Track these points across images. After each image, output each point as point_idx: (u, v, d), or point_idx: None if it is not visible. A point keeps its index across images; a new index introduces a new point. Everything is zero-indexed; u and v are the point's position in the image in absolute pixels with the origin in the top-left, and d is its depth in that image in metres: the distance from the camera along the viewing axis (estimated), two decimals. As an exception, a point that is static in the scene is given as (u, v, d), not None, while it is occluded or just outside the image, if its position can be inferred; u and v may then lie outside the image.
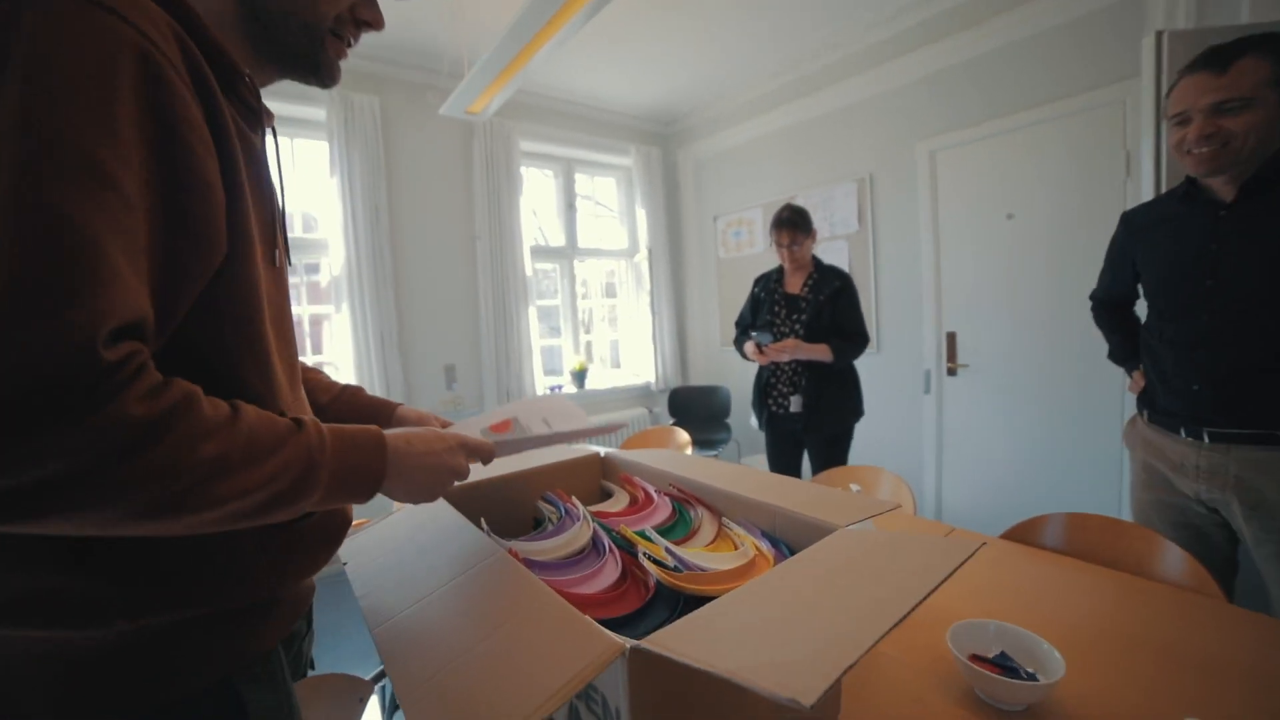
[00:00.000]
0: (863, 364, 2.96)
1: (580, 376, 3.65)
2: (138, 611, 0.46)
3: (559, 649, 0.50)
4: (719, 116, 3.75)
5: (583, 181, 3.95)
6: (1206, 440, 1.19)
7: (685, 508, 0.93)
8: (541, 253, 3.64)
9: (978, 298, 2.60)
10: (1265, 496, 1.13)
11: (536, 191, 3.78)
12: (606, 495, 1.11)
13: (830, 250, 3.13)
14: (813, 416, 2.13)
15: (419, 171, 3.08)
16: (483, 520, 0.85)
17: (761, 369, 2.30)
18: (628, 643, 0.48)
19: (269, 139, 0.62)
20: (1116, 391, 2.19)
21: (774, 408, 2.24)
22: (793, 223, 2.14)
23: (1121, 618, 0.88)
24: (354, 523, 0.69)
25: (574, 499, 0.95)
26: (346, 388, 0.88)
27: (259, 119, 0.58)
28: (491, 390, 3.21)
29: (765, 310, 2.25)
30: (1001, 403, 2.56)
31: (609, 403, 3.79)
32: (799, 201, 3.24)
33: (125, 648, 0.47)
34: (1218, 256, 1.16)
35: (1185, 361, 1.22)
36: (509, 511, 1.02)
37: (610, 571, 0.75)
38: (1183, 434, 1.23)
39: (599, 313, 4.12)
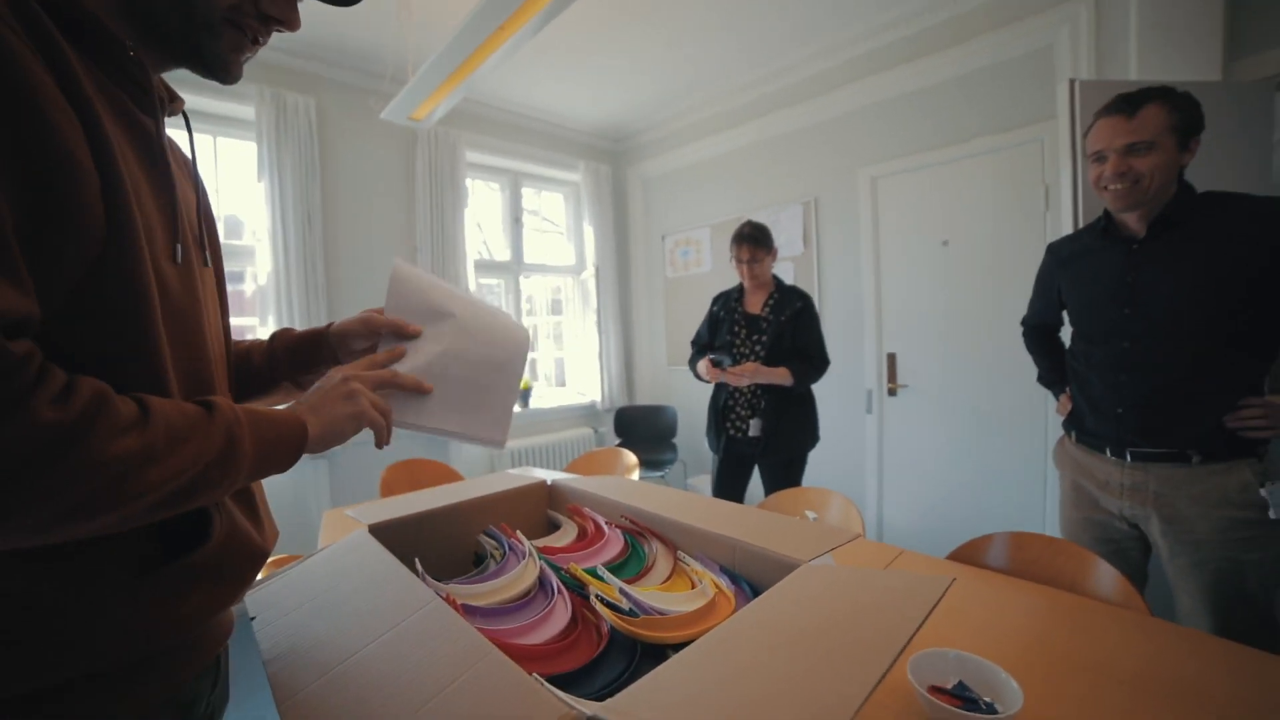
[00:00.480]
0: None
1: (525, 395, 3.54)
2: None
3: (502, 724, 0.43)
4: (669, 135, 3.78)
5: (530, 196, 3.88)
6: (1129, 459, 1.25)
7: (639, 541, 0.88)
8: (486, 267, 3.53)
9: (916, 319, 2.70)
10: (1179, 511, 1.20)
11: (482, 204, 3.68)
12: (554, 527, 1.05)
13: (777, 270, 3.18)
14: (771, 440, 2.08)
15: (356, 178, 2.93)
16: (417, 561, 0.77)
17: (718, 390, 2.25)
18: (583, 711, 0.43)
19: (180, 131, 0.56)
20: (1041, 412, 2.32)
21: (732, 431, 2.17)
22: (753, 238, 2.08)
23: (1069, 640, 0.90)
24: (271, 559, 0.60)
25: (519, 534, 0.89)
26: (275, 335, 0.79)
27: (152, 100, 0.51)
28: (430, 409, 3.05)
29: (725, 330, 2.19)
30: (938, 422, 2.65)
31: (554, 422, 3.70)
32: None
33: None
34: (1133, 287, 1.24)
35: (1109, 385, 1.28)
36: (447, 548, 0.93)
37: (559, 616, 0.69)
38: (1108, 454, 1.30)
39: (544, 330, 4.03)
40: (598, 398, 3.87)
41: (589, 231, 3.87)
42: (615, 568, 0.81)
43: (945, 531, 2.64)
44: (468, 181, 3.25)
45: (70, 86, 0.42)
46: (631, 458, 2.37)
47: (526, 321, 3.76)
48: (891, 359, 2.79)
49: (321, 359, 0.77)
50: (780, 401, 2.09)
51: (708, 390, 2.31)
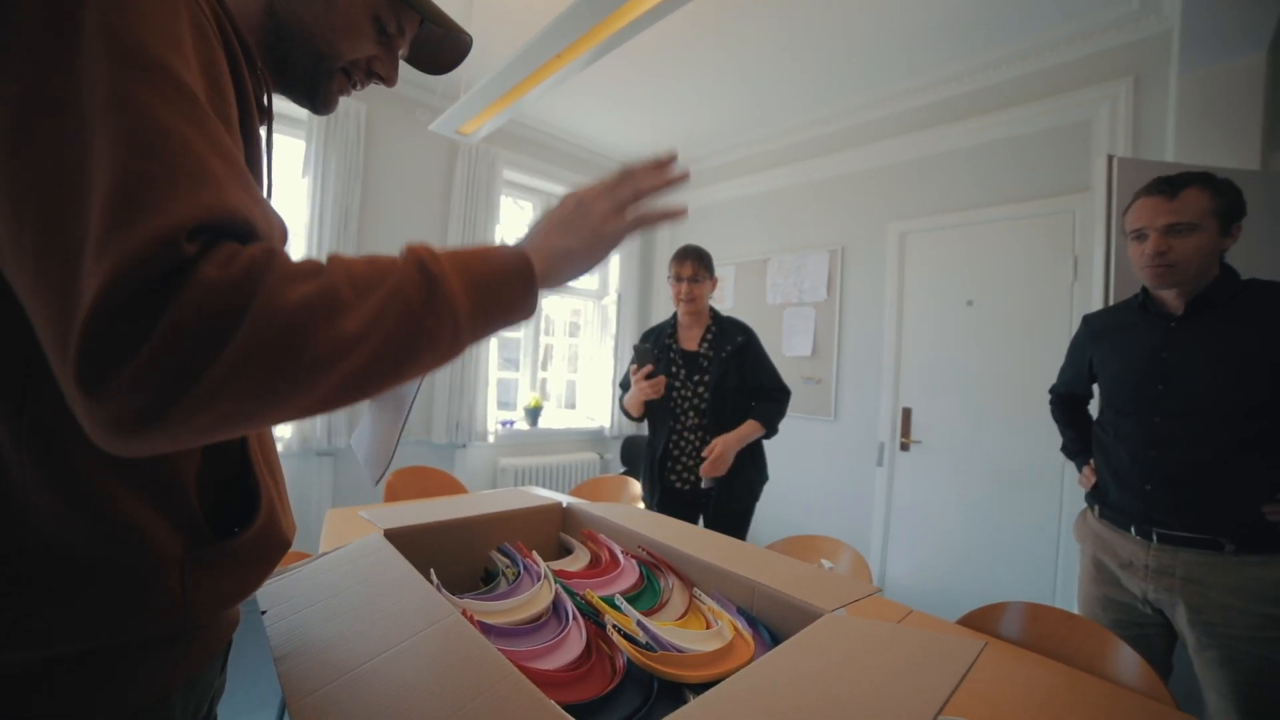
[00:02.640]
0: (818, 431, 3.02)
1: (534, 414, 3.54)
2: (18, 643, 0.39)
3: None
4: (702, 173, 3.85)
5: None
6: (1155, 540, 1.22)
7: (654, 574, 0.86)
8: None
9: (935, 376, 2.69)
10: (1210, 600, 1.16)
11: (512, 221, 3.74)
12: (566, 551, 1.03)
13: (798, 316, 3.20)
14: (727, 489, 1.81)
15: (396, 183, 3.00)
16: (432, 572, 0.76)
17: (655, 436, 1.97)
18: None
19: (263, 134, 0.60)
20: (1057, 480, 2.28)
21: (677, 484, 1.91)
22: (698, 255, 1.87)
23: (1088, 726, 0.86)
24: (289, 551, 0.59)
25: (534, 554, 0.87)
26: None
27: (264, 111, 0.57)
28: (441, 419, 3.06)
29: (659, 370, 1.90)
30: (950, 481, 2.61)
31: (561, 443, 3.68)
32: (772, 264, 3.33)
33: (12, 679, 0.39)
34: (1168, 363, 1.23)
35: (1138, 460, 1.26)
36: (458, 560, 0.92)
37: (574, 644, 0.68)
38: (1132, 531, 1.27)
39: (559, 351, 4.04)
40: (606, 423, 3.85)
41: (613, 259, 3.91)
42: (630, 598, 0.79)
43: (949, 593, 2.57)
44: (501, 198, 3.32)
45: (240, 89, 0.47)
46: (637, 487, 2.35)
47: (543, 341, 3.77)
48: (907, 413, 2.76)
49: None
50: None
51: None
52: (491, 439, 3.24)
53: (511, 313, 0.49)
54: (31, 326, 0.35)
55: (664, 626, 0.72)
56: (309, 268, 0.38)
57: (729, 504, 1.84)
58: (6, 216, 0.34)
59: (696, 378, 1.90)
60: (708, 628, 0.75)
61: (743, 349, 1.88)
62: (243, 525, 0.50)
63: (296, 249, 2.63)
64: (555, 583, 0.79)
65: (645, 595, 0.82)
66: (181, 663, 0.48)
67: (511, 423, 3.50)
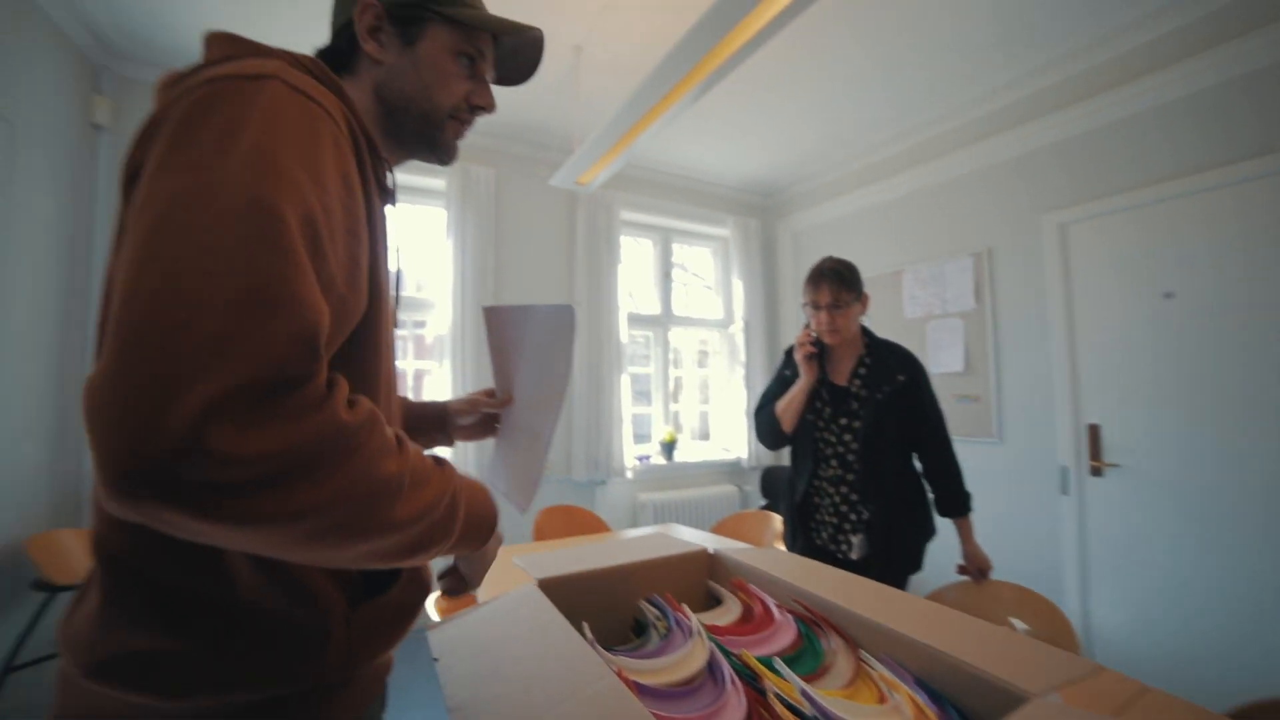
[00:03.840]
0: (981, 455, 2.68)
1: (669, 448, 3.55)
2: (219, 687, 0.47)
3: None
4: (821, 188, 3.71)
5: (679, 250, 4.00)
6: None
7: (814, 632, 0.79)
8: (636, 320, 3.67)
9: (1129, 387, 2.27)
10: None
11: (633, 259, 3.86)
12: (714, 601, 0.99)
13: (943, 329, 2.91)
14: (884, 561, 1.52)
15: (526, 237, 3.25)
16: (585, 627, 0.76)
17: (796, 476, 1.69)
18: None
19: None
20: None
21: (819, 542, 1.65)
22: (838, 276, 1.54)
23: None
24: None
25: (685, 607, 0.85)
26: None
27: (389, 194, 0.65)
28: (580, 454, 3.18)
29: (805, 409, 1.64)
30: (1163, 511, 2.17)
31: (699, 476, 3.65)
32: (908, 277, 3.08)
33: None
34: None
35: None
36: (607, 610, 0.92)
37: (733, 711, 0.63)
38: None
39: (689, 383, 4.04)
40: (743, 454, 3.75)
41: (737, 285, 3.87)
42: (789, 661, 0.73)
43: (1179, 653, 2.10)
44: (621, 238, 3.45)
45: (366, 191, 0.54)
46: (779, 523, 2.25)
47: (671, 374, 3.80)
48: (1094, 431, 2.36)
49: (436, 429, 0.92)
50: (890, 504, 1.53)
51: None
52: (630, 475, 3.30)
53: (470, 546, 0.58)
54: None
55: (830, 697, 0.66)
56: (394, 444, 0.44)
57: (893, 575, 1.53)
58: (132, 284, 0.37)
59: (844, 420, 1.60)
60: (882, 701, 0.67)
61: (906, 390, 1.54)
62: (389, 584, 0.58)
63: (443, 306, 2.93)
64: (708, 640, 0.76)
65: (805, 657, 0.76)
66: (350, 704, 0.55)
67: (648, 458, 3.54)
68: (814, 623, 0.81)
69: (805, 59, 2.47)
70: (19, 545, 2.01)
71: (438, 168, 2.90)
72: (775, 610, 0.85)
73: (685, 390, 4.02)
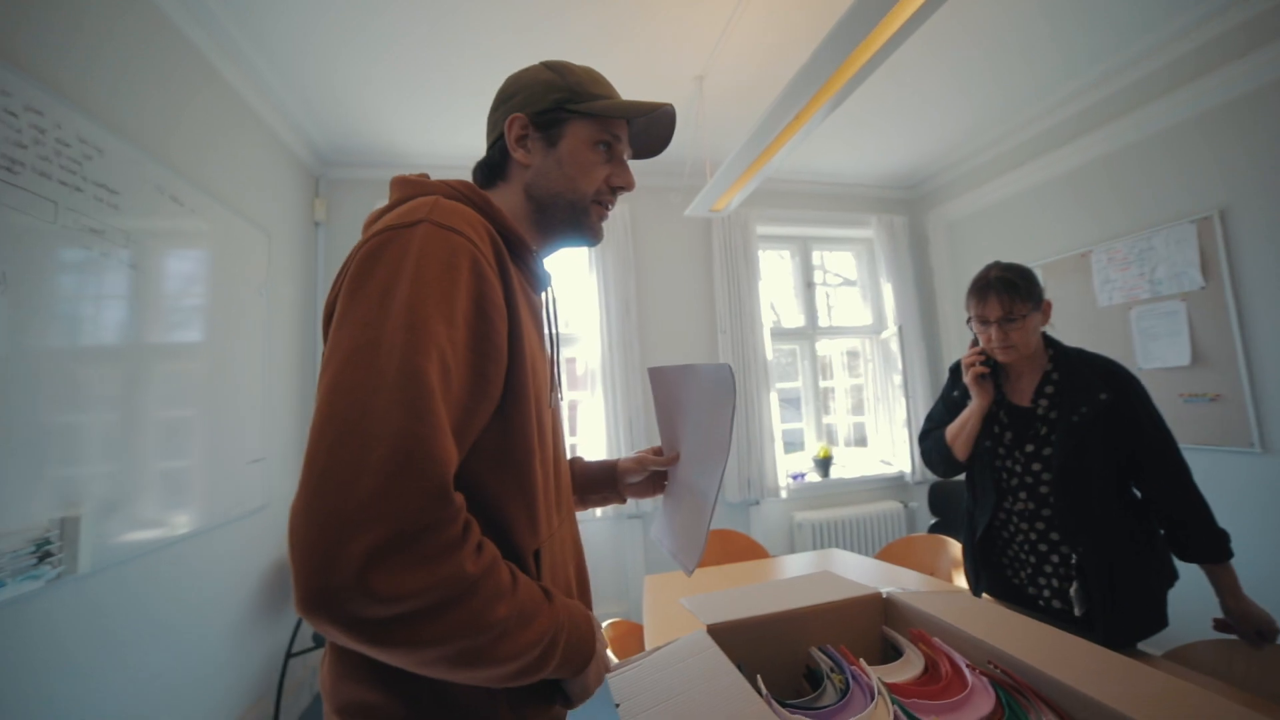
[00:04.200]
0: (1230, 468, 2.18)
1: (824, 464, 3.40)
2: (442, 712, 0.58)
3: None
4: (975, 170, 3.34)
5: (820, 258, 3.84)
6: None
7: (1018, 704, 0.71)
8: (780, 334, 3.58)
9: None
10: None
11: (772, 272, 3.79)
12: (892, 650, 0.93)
13: (1154, 316, 2.43)
14: (1113, 617, 1.24)
15: (663, 267, 3.35)
16: (760, 680, 0.76)
17: (976, 509, 1.48)
18: None
19: (547, 297, 0.78)
20: None
21: (1016, 582, 1.42)
22: (1009, 285, 1.33)
23: None
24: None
25: (861, 662, 0.81)
26: (573, 460, 1.00)
27: (542, 283, 0.75)
28: (732, 477, 3.17)
29: (982, 435, 1.45)
30: None
31: (857, 494, 3.44)
32: (1098, 256, 2.64)
33: None
34: None
35: None
36: (777, 656, 0.91)
37: (929, 789, 0.59)
38: None
39: (841, 394, 3.84)
40: (907, 468, 3.47)
41: (887, 288, 3.61)
42: (990, 734, 0.66)
43: None
44: (759, 253, 3.40)
45: (509, 294, 0.62)
46: (956, 549, 2.03)
47: (822, 385, 3.64)
48: None
49: (607, 488, 0.98)
50: (1105, 543, 1.26)
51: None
52: (784, 494, 3.21)
53: (567, 673, 0.63)
54: None
55: (1049, 784, 0.58)
56: (508, 587, 0.53)
57: (1118, 631, 1.25)
58: (316, 434, 0.47)
59: (1030, 447, 1.38)
60: (1117, 795, 0.58)
61: (1111, 410, 1.28)
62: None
63: (592, 339, 3.12)
64: (891, 701, 0.71)
65: (1010, 731, 0.68)
66: None
67: (802, 475, 3.42)
68: (1016, 690, 0.72)
69: (941, 35, 2.26)
70: (287, 560, 2.51)
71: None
72: (966, 671, 0.77)
73: (836, 400, 3.82)
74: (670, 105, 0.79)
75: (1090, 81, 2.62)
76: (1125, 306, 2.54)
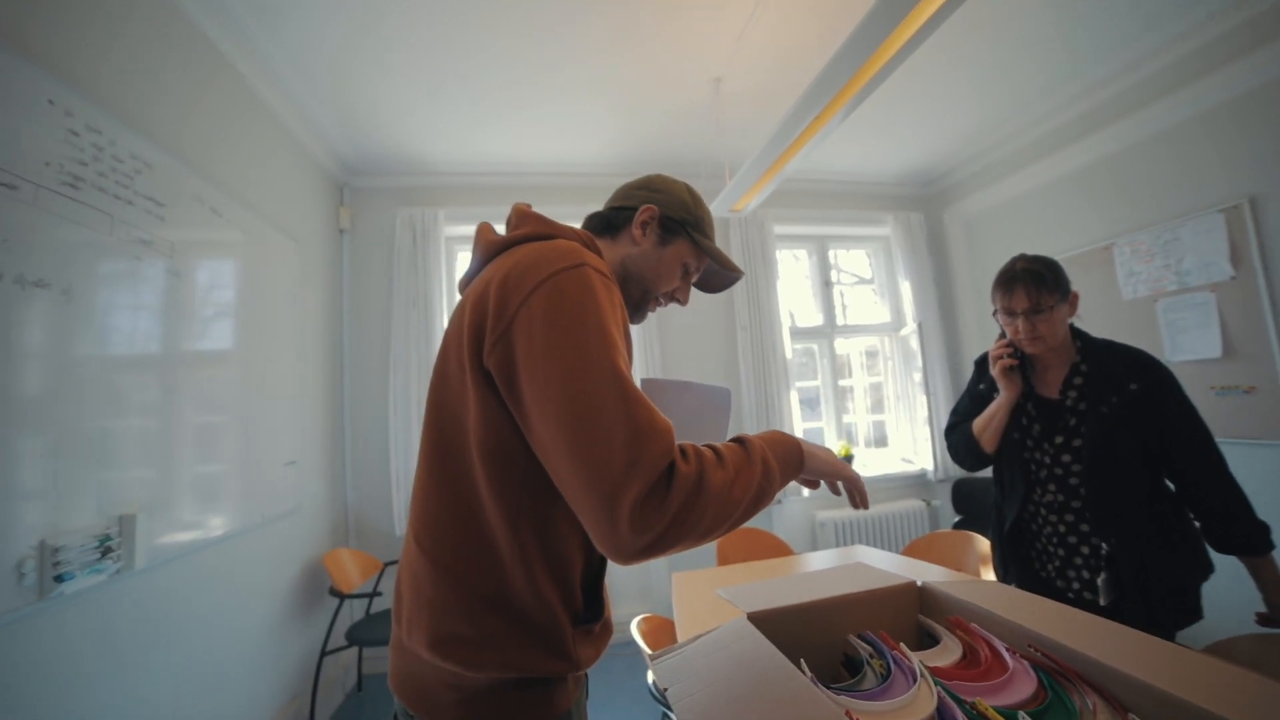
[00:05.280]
0: (1266, 463, 2.13)
1: (846, 462, 3.38)
2: (500, 667, 0.70)
3: None
4: (992, 166, 3.33)
5: (837, 256, 3.84)
6: None
7: (1061, 687, 0.72)
8: (797, 333, 3.59)
9: None
10: None
11: (790, 271, 3.80)
12: (929, 638, 0.94)
13: (1183, 307, 2.41)
14: (1138, 601, 1.25)
15: (681, 269, 3.37)
16: (803, 663, 0.78)
17: (1004, 502, 1.49)
18: None
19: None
20: None
21: (1044, 575, 1.42)
22: (1035, 276, 1.33)
23: None
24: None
25: (903, 647, 0.83)
26: None
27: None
28: (751, 475, 3.17)
29: (1010, 427, 1.45)
30: None
31: (879, 492, 3.43)
32: (1122, 250, 2.63)
33: (493, 689, 0.72)
34: None
35: None
36: (817, 644, 0.93)
37: (976, 765, 0.61)
38: None
39: (860, 393, 3.83)
40: (929, 466, 3.45)
41: (905, 285, 3.60)
42: (1034, 715, 0.68)
43: None
44: (776, 253, 3.41)
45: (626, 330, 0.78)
46: (984, 545, 2.03)
47: (842, 384, 3.64)
48: None
49: None
50: (1137, 535, 1.27)
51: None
52: (806, 493, 3.21)
53: (792, 476, 0.80)
54: (518, 487, 0.71)
55: (1096, 760, 0.60)
56: (715, 461, 0.67)
57: (1149, 623, 1.19)
58: (570, 442, 0.63)
59: (1059, 439, 1.37)
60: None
61: (1141, 401, 1.28)
62: (597, 618, 0.81)
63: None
64: (934, 683, 0.73)
65: (1053, 713, 0.69)
66: (571, 693, 0.78)
67: (822, 474, 3.41)
68: (1059, 674, 0.74)
69: (958, 30, 2.26)
70: (318, 561, 2.57)
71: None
72: (1007, 655, 0.78)
73: (855, 399, 3.81)
74: (742, 273, 0.99)
75: (1110, 73, 2.60)
76: (1151, 299, 2.52)
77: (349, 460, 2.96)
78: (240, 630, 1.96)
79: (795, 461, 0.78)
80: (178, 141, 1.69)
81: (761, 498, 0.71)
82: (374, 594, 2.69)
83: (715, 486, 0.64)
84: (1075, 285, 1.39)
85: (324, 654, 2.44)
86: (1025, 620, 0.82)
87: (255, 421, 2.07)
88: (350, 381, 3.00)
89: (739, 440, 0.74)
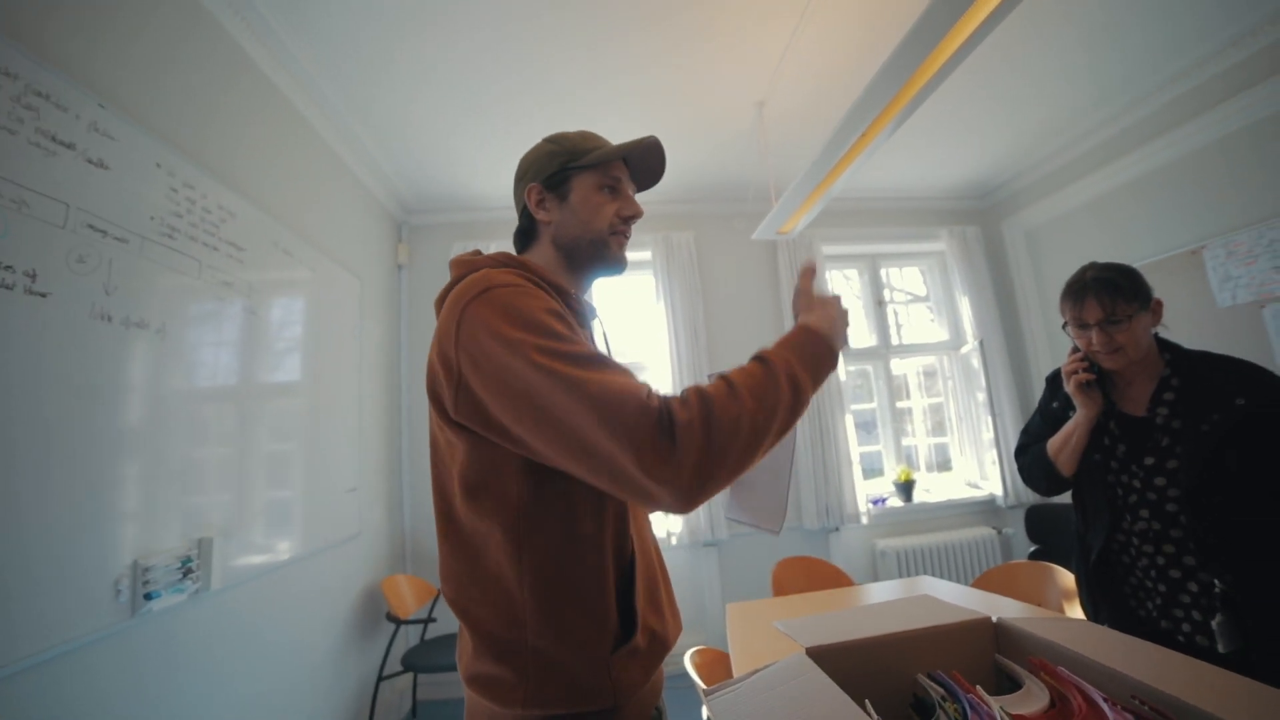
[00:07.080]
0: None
1: (906, 488, 3.24)
2: (530, 704, 0.70)
3: None
4: (1053, 174, 3.18)
5: (889, 275, 3.74)
6: None
7: (1168, 739, 0.65)
8: (852, 354, 3.49)
9: None
10: None
11: (841, 292, 3.71)
12: (1008, 681, 0.87)
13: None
14: (1264, 646, 1.08)
15: (730, 290, 3.36)
16: (869, 705, 0.73)
17: (1089, 530, 1.35)
18: None
19: (598, 327, 0.93)
20: None
21: (1143, 614, 1.26)
22: (1109, 285, 1.22)
23: None
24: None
25: (979, 690, 0.76)
26: None
27: (589, 316, 0.88)
28: (810, 503, 3.07)
29: (1090, 448, 1.34)
30: None
31: (945, 519, 3.25)
32: (1214, 252, 2.43)
33: None
34: None
35: None
36: (881, 683, 0.87)
37: (1073, 828, 0.55)
38: None
39: (919, 414, 3.67)
40: (999, 491, 3.24)
41: (963, 301, 3.46)
42: (1137, 772, 0.61)
43: None
44: (827, 274, 3.35)
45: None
46: (1067, 578, 1.87)
47: (900, 406, 3.50)
48: None
49: None
50: (1260, 569, 1.11)
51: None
52: (864, 520, 3.08)
53: (829, 369, 0.78)
54: (514, 508, 0.71)
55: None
56: (726, 393, 0.66)
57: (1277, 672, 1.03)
58: (558, 440, 0.64)
59: (1150, 460, 1.24)
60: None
61: (1256, 417, 1.12)
62: (630, 635, 0.75)
63: (663, 364, 3.15)
64: (1018, 733, 0.67)
65: (1161, 770, 0.62)
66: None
67: (883, 500, 3.27)
68: (1165, 726, 0.66)
69: (1011, 36, 2.19)
70: (376, 586, 2.63)
71: (639, 241, 3.26)
72: (1103, 704, 0.71)
73: (914, 419, 3.64)
74: (654, 137, 0.89)
75: (1195, 60, 2.41)
76: (1256, 305, 2.29)
77: (406, 487, 3.05)
78: (303, 653, 2.02)
79: (827, 357, 0.77)
80: (257, 190, 1.83)
81: (796, 410, 0.71)
82: (429, 620, 2.74)
83: (728, 422, 0.63)
84: (1158, 294, 1.28)
85: (380, 679, 2.48)
86: (1124, 667, 0.75)
87: (320, 449, 2.17)
88: (408, 411, 3.11)
89: (760, 358, 0.73)
